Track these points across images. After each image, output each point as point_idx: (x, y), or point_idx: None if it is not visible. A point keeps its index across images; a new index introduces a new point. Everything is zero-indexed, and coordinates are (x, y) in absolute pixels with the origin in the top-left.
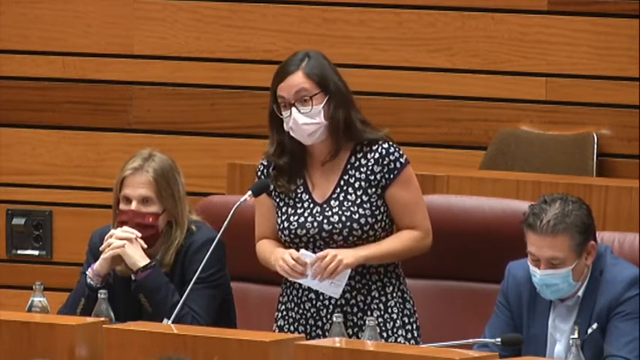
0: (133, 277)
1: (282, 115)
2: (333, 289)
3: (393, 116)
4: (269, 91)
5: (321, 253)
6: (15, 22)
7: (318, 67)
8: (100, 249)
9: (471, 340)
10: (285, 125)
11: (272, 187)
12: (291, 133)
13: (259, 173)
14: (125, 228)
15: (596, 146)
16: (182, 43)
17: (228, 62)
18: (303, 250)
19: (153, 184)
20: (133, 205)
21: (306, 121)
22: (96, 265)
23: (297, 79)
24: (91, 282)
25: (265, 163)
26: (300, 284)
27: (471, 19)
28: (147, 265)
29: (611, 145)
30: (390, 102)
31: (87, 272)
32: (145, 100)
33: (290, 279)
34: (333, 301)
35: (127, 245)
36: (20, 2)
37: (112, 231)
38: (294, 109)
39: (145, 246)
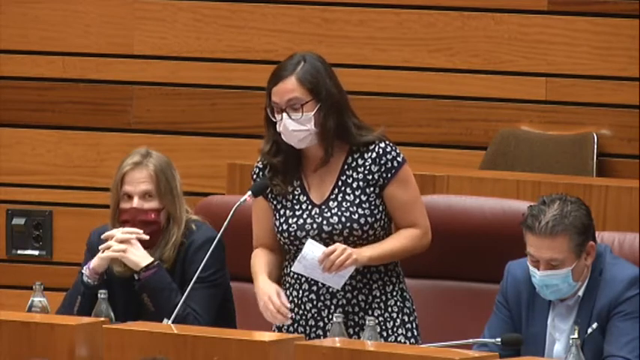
0: (136, 277)
1: (274, 118)
2: (336, 279)
3: (393, 116)
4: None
5: (329, 248)
6: (15, 22)
7: (312, 72)
8: (100, 248)
9: (470, 340)
10: (277, 127)
11: (269, 188)
12: (282, 137)
13: (254, 176)
14: (125, 229)
15: (596, 146)
16: (182, 43)
17: (228, 62)
18: (310, 240)
19: (154, 179)
20: (135, 202)
21: (295, 128)
22: (93, 264)
23: (290, 86)
24: (88, 280)
25: (260, 166)
26: (299, 285)
27: (471, 19)
28: (150, 264)
29: (611, 145)
30: (390, 102)
31: (83, 270)
32: (145, 100)
33: (270, 321)
34: (334, 302)
35: (127, 250)
36: (20, 2)
37: (114, 231)
38: (284, 114)
39: (147, 238)
